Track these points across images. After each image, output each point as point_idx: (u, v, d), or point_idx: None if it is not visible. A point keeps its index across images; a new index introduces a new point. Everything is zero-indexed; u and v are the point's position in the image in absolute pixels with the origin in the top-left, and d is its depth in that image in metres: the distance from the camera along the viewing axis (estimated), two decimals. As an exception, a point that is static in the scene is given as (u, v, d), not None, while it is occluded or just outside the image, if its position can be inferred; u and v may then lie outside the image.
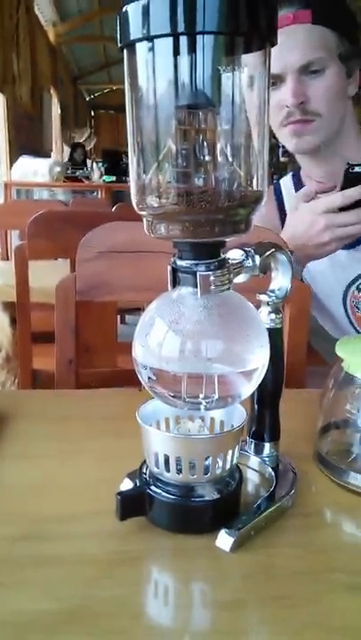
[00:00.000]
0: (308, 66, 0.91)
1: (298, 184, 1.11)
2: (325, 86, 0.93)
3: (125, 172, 5.72)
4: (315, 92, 0.93)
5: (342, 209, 0.82)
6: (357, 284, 1.04)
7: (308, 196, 0.88)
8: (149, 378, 0.44)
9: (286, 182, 1.14)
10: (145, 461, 0.47)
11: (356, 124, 1.03)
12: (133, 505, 0.44)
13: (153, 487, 0.45)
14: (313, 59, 0.91)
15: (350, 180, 0.80)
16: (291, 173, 1.15)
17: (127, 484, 0.48)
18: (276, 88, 0.93)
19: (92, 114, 14.15)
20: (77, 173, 5.54)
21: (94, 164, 5.83)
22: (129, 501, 0.43)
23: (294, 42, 0.89)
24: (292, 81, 0.91)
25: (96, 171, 5.69)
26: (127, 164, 0.42)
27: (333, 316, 1.13)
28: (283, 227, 1.12)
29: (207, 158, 0.39)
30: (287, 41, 0.89)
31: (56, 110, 8.43)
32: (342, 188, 0.81)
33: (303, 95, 0.93)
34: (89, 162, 6.23)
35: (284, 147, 1.04)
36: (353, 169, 0.79)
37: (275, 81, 0.93)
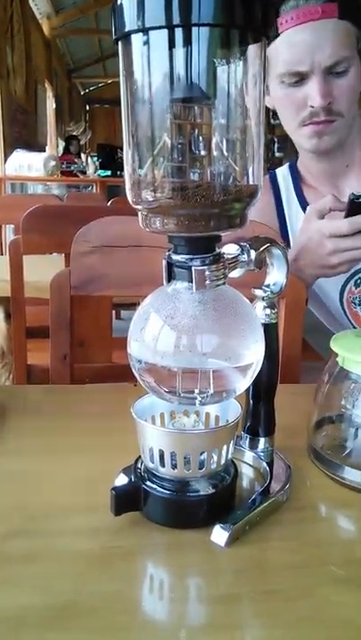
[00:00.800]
0: (336, 65, 0.89)
1: (295, 175, 1.11)
2: (349, 85, 0.91)
3: (121, 167, 5.70)
4: (339, 92, 0.91)
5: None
6: (355, 279, 1.05)
7: (322, 212, 0.86)
8: (144, 372, 0.44)
9: (283, 172, 1.13)
10: (140, 456, 0.47)
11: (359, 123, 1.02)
12: (128, 500, 0.44)
13: (148, 482, 0.45)
14: (341, 57, 0.89)
15: (355, 209, 0.81)
16: (288, 164, 1.14)
17: (122, 479, 0.47)
18: (298, 85, 0.90)
19: (87, 108, 14.09)
20: (72, 168, 5.51)
21: (89, 159, 5.80)
22: (124, 496, 0.43)
23: (324, 39, 0.86)
24: (319, 81, 0.88)
25: (91, 165, 5.67)
26: (122, 159, 0.41)
27: (331, 312, 1.13)
28: (279, 218, 1.12)
29: (202, 152, 0.39)
30: (316, 37, 0.86)
31: (51, 104, 8.38)
32: (347, 216, 0.81)
33: (330, 95, 0.91)
34: (83, 156, 6.20)
35: (279, 142, 1.04)
36: (358, 199, 0.80)
37: (298, 79, 0.90)
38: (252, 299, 0.48)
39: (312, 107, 0.90)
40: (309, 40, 0.86)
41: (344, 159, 1.02)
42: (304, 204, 1.08)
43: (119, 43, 0.38)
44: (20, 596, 0.37)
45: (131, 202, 0.41)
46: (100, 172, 5.75)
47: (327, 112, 0.92)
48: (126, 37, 0.37)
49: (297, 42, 0.87)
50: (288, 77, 0.90)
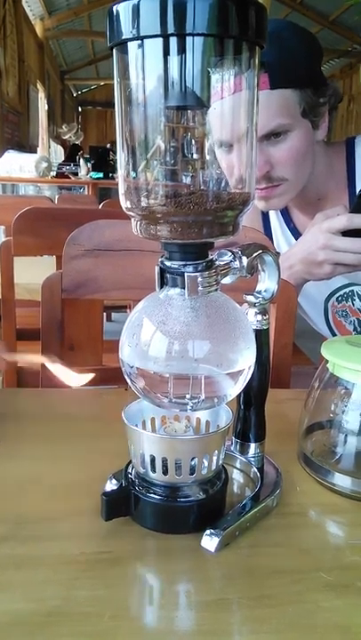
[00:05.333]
0: (269, 134, 0.86)
1: None
2: (289, 148, 0.87)
3: (113, 169, 5.69)
4: (279, 158, 0.87)
5: (346, 234, 0.78)
6: (337, 295, 1.05)
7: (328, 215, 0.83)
8: (136, 378, 0.44)
9: None
10: (130, 461, 0.47)
11: (328, 161, 0.98)
12: (119, 505, 0.44)
13: (138, 487, 0.45)
14: (274, 126, 0.85)
15: (360, 205, 0.77)
16: None
17: (112, 485, 0.47)
18: (230, 152, 0.79)
19: (80, 109, 14.08)
20: (64, 169, 5.50)
21: (82, 160, 5.78)
22: (114, 502, 0.43)
23: None
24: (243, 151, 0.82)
25: (83, 167, 5.66)
26: (115, 161, 0.41)
27: (317, 325, 1.15)
28: (264, 227, 1.12)
29: (196, 160, 0.39)
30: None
31: (43, 106, 8.37)
32: (351, 212, 0.78)
33: (267, 164, 0.87)
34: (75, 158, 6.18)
35: None
36: None
37: (229, 149, 0.80)
38: (242, 302, 0.49)
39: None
40: (236, 113, 0.81)
41: (315, 193, 0.99)
42: (289, 223, 1.08)
43: (114, 50, 0.38)
44: (10, 602, 0.37)
45: (124, 208, 0.41)
46: (92, 174, 5.74)
47: (267, 180, 0.89)
48: (121, 45, 0.37)
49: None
50: (219, 143, 0.81)
